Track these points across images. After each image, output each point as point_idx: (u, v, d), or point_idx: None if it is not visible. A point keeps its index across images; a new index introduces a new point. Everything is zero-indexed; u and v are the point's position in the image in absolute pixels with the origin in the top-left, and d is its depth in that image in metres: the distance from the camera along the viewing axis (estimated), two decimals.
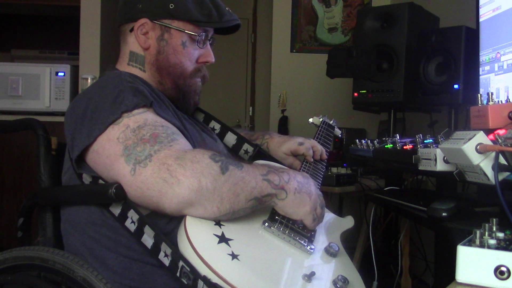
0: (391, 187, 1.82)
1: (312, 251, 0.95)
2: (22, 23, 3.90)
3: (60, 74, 2.86)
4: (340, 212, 2.69)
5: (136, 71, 1.07)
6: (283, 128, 3.20)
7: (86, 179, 0.94)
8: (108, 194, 0.85)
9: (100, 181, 0.91)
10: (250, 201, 0.87)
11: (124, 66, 1.10)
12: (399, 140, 1.28)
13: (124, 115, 0.88)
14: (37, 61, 3.15)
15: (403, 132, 2.40)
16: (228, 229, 0.85)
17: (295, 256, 0.93)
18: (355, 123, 2.97)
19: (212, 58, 1.13)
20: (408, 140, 1.26)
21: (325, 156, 1.34)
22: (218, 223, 0.86)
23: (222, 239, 0.83)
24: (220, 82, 3.81)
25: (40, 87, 2.84)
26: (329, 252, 0.99)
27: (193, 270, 0.78)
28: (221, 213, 0.84)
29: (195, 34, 1.08)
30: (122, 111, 0.88)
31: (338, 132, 1.51)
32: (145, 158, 0.83)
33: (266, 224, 0.93)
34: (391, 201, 1.42)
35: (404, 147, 1.23)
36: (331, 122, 1.49)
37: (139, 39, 1.07)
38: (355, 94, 2.21)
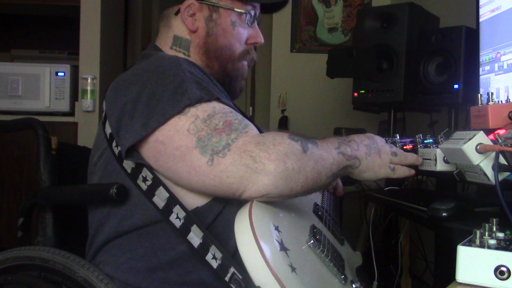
0: (391, 187, 1.82)
1: (344, 281, 0.92)
2: (22, 23, 3.90)
3: (60, 74, 2.86)
4: (340, 212, 2.69)
5: (179, 56, 1.01)
6: (283, 128, 3.19)
7: (129, 164, 0.89)
8: (109, 194, 0.85)
9: (145, 170, 0.87)
10: (329, 177, 0.87)
11: (166, 49, 1.05)
12: (399, 140, 1.28)
13: (189, 107, 0.84)
14: (37, 61, 3.15)
15: (403, 132, 2.40)
16: (285, 237, 0.81)
17: (333, 283, 0.90)
18: (355, 123, 2.97)
19: (261, 39, 1.09)
20: (408, 140, 1.26)
21: (341, 193, 1.37)
22: (277, 227, 0.81)
23: (282, 247, 0.78)
24: None
25: (40, 87, 2.84)
26: (354, 286, 0.97)
27: (245, 278, 0.74)
28: (304, 190, 0.83)
29: (244, 11, 1.03)
30: (185, 105, 0.83)
31: None
32: (223, 148, 0.80)
33: (312, 242, 0.88)
34: (391, 201, 1.42)
35: (404, 147, 1.23)
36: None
37: (187, 22, 1.01)
38: (355, 94, 2.21)
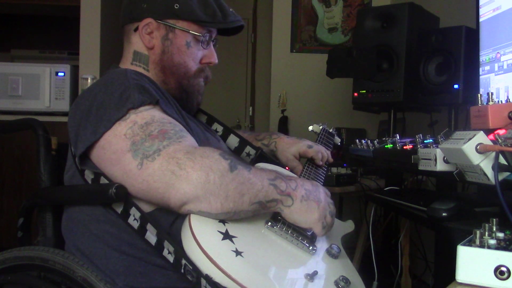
0: (391, 187, 1.82)
1: (314, 251, 0.95)
2: (22, 23, 3.90)
3: (60, 74, 2.86)
4: (340, 212, 2.69)
5: (139, 71, 1.07)
6: (283, 128, 3.20)
7: (88, 176, 0.94)
8: (109, 194, 0.86)
9: (102, 178, 0.91)
10: (254, 204, 0.86)
11: (127, 65, 1.10)
12: (399, 140, 1.28)
13: (131, 112, 0.89)
14: (37, 61, 3.14)
15: (403, 132, 2.40)
16: (232, 227, 0.85)
17: (298, 256, 0.93)
18: (355, 123, 2.98)
19: (215, 59, 1.14)
20: (408, 140, 1.26)
21: (331, 160, 1.34)
22: (222, 220, 0.86)
23: (226, 236, 0.83)
24: (220, 82, 3.81)
25: (40, 87, 2.84)
26: (331, 253, 0.99)
27: (195, 268, 0.78)
28: (223, 210, 0.84)
29: (199, 34, 1.08)
30: (128, 108, 0.89)
31: (338, 140, 1.51)
32: (154, 153, 0.83)
33: (269, 223, 0.93)
34: (391, 201, 1.43)
35: (404, 147, 1.23)
36: (331, 130, 1.49)
37: (144, 39, 1.07)
38: (355, 94, 2.21)
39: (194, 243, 0.79)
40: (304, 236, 0.95)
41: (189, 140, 0.89)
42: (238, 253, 0.81)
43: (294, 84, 3.26)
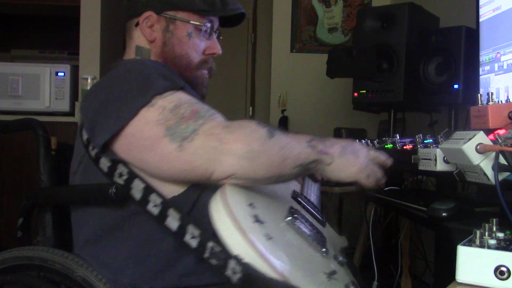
0: (391, 187, 1.82)
1: (325, 254, 0.94)
2: (22, 23, 3.90)
3: (60, 74, 2.86)
4: (340, 212, 2.70)
5: None
6: (283, 128, 3.20)
7: (105, 163, 0.92)
8: (109, 194, 0.86)
9: (120, 165, 0.90)
10: (296, 167, 0.87)
11: None
12: (399, 140, 1.28)
13: (156, 97, 0.87)
14: (37, 61, 3.15)
15: (403, 132, 2.40)
16: (261, 213, 0.83)
17: (314, 254, 0.92)
18: (355, 123, 2.98)
19: (218, 50, 1.13)
20: (408, 140, 1.26)
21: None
22: (251, 204, 0.84)
23: (257, 219, 0.81)
24: (220, 82, 3.81)
25: (40, 87, 2.84)
26: (337, 260, 0.99)
27: (224, 249, 0.76)
28: (268, 175, 0.84)
29: (200, 24, 1.08)
30: (152, 94, 0.87)
31: None
32: (191, 133, 0.83)
33: (289, 218, 0.91)
34: (391, 201, 1.42)
35: (404, 147, 1.23)
36: None
37: (145, 32, 1.07)
38: (355, 94, 2.21)
39: (229, 220, 0.75)
40: (318, 238, 0.94)
41: (220, 116, 0.89)
42: (269, 237, 0.78)
43: (294, 84, 3.26)
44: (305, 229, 0.93)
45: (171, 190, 0.90)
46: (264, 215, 0.84)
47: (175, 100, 0.88)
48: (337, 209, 2.69)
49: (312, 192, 1.25)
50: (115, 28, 3.27)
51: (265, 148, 0.83)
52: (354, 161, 0.95)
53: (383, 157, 1.04)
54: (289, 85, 3.27)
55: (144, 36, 1.07)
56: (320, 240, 0.95)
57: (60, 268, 0.91)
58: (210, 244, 0.79)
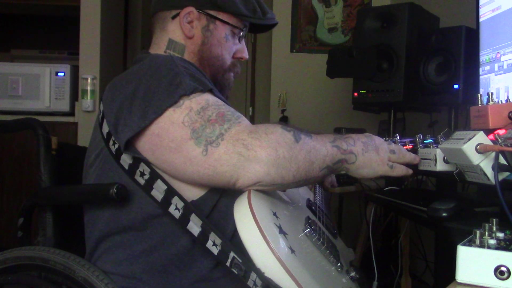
0: (391, 187, 1.82)
1: (340, 269, 0.94)
2: (22, 23, 3.90)
3: (60, 74, 2.86)
4: (340, 212, 2.69)
5: None
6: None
7: (126, 161, 0.90)
8: (109, 194, 0.85)
9: (142, 164, 0.88)
10: (323, 169, 0.87)
11: (160, 52, 1.07)
12: (399, 140, 1.28)
13: (184, 98, 0.86)
14: (37, 61, 3.14)
15: (403, 132, 2.40)
16: (283, 223, 0.83)
17: (330, 269, 0.92)
18: (355, 123, 2.97)
19: (246, 54, 1.14)
20: (408, 140, 1.26)
21: (336, 186, 1.35)
22: (275, 213, 0.84)
23: (281, 230, 0.81)
24: None
25: (40, 87, 2.84)
26: (349, 274, 0.99)
27: (245, 261, 0.76)
28: (295, 180, 0.84)
29: (238, 27, 1.08)
30: (180, 94, 0.86)
31: None
32: (217, 138, 0.82)
33: (308, 230, 0.91)
34: (391, 201, 1.42)
35: (404, 147, 1.23)
36: None
37: (184, 28, 1.04)
38: (355, 94, 2.21)
39: (256, 230, 0.75)
40: (334, 252, 0.95)
41: (246, 119, 0.88)
42: (292, 250, 0.78)
43: (294, 84, 3.26)
44: (321, 242, 0.92)
45: (192, 194, 0.90)
46: (286, 225, 0.83)
47: (202, 102, 0.86)
48: (337, 209, 2.69)
49: (323, 201, 1.25)
50: (115, 28, 3.27)
51: (292, 154, 0.82)
52: (376, 157, 0.96)
53: (408, 156, 1.03)
54: (289, 85, 3.27)
55: (182, 31, 1.05)
56: (335, 254, 0.95)
57: (61, 268, 0.91)
58: (232, 254, 0.79)
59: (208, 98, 0.88)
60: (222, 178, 0.82)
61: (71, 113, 2.88)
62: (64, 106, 2.86)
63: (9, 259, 0.96)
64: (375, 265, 1.78)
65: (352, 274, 0.98)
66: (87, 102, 2.83)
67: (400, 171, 1.01)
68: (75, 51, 3.00)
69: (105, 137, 0.94)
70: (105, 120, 0.94)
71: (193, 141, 0.83)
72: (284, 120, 3.22)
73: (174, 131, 0.85)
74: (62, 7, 3.15)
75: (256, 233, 0.75)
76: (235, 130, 0.83)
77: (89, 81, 2.84)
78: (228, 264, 0.79)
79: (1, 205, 2.76)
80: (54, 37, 3.75)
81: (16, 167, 2.76)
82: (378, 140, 1.01)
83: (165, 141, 0.86)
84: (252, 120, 3.89)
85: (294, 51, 3.29)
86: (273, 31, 3.31)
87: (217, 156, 0.81)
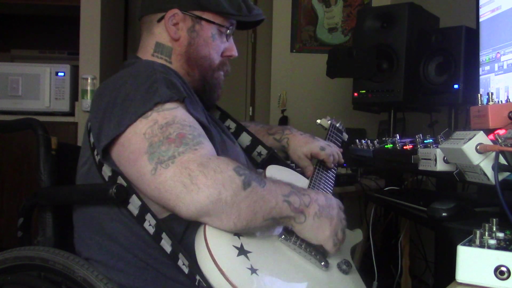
0: (391, 187, 1.82)
1: (326, 267, 0.93)
2: (22, 23, 3.89)
3: (60, 74, 2.86)
4: None
5: (162, 63, 1.04)
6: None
7: (106, 173, 0.91)
8: (109, 194, 0.85)
9: (120, 178, 0.88)
10: (267, 220, 0.85)
11: (147, 56, 1.07)
12: (399, 140, 1.28)
13: (157, 107, 0.85)
14: (37, 61, 3.14)
15: (403, 132, 2.40)
16: (247, 241, 0.83)
17: (311, 272, 0.91)
18: (355, 123, 2.97)
19: (235, 52, 1.14)
20: (408, 140, 1.26)
21: (342, 162, 1.33)
22: (237, 233, 0.83)
23: (242, 251, 0.81)
24: None
25: (40, 87, 2.84)
26: (341, 268, 0.97)
27: (209, 285, 0.76)
28: (236, 228, 0.82)
29: (225, 26, 1.08)
30: (155, 102, 0.85)
31: (345, 136, 1.49)
32: (168, 159, 0.81)
33: (283, 236, 0.91)
34: (391, 201, 1.42)
35: (404, 147, 1.23)
36: (338, 125, 1.48)
37: (170, 30, 1.04)
38: (355, 94, 2.21)
39: (209, 259, 0.77)
40: (316, 251, 0.94)
41: (206, 147, 0.85)
42: (253, 270, 0.79)
43: (294, 84, 3.26)
44: (299, 244, 0.91)
45: (161, 210, 0.89)
46: (251, 242, 0.83)
47: (168, 117, 0.85)
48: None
49: (322, 185, 1.23)
50: (115, 28, 3.27)
51: (235, 200, 0.80)
52: (327, 227, 0.93)
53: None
54: (289, 85, 3.27)
55: (168, 33, 1.05)
56: (318, 253, 0.93)
57: (60, 268, 0.91)
58: (198, 277, 0.79)
59: (176, 114, 0.87)
60: (167, 203, 0.81)
61: (71, 113, 2.88)
62: (64, 106, 2.86)
63: (8, 259, 0.96)
64: (375, 265, 1.78)
65: (344, 267, 0.97)
66: (87, 102, 2.83)
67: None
68: (75, 51, 3.00)
69: (92, 146, 0.95)
70: (91, 129, 0.95)
71: (147, 156, 0.82)
72: (284, 120, 3.22)
73: (135, 142, 0.84)
74: (62, 7, 3.15)
75: (209, 261, 0.77)
76: (187, 157, 0.81)
77: (89, 81, 2.84)
78: (197, 283, 0.79)
79: (1, 205, 2.76)
80: (54, 37, 3.75)
81: (16, 167, 2.76)
82: (336, 207, 0.98)
83: (126, 152, 0.86)
84: (252, 120, 3.89)
85: (294, 51, 3.29)
86: (273, 31, 3.33)
87: (163, 178, 0.80)
